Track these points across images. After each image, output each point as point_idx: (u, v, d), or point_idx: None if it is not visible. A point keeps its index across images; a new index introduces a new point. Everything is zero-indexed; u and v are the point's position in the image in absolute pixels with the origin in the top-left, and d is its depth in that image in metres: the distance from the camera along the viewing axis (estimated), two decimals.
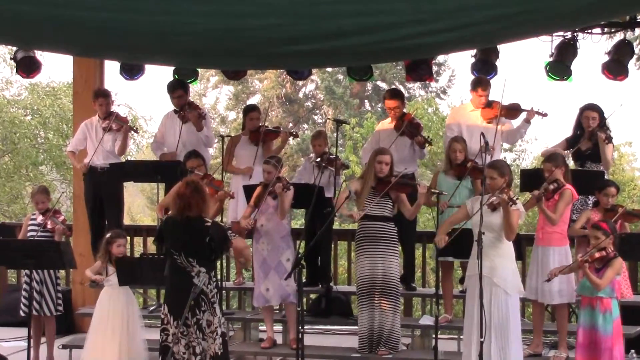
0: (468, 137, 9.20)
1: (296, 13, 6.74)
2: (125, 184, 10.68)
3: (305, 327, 7.44)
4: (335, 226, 13.98)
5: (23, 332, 8.60)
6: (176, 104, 10.12)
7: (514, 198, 7.43)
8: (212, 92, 35.88)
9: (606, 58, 9.91)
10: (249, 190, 9.05)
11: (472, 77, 9.98)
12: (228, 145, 10.06)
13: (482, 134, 7.72)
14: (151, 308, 9.83)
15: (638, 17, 9.79)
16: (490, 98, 9.56)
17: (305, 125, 34.43)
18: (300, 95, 35.30)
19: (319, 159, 9.53)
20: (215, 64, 11.56)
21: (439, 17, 6.75)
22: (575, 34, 9.86)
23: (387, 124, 9.93)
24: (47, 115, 24.27)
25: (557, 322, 8.56)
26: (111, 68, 11.00)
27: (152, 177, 9.83)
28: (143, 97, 52.13)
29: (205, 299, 7.11)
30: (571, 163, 9.39)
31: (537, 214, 8.96)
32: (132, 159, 20.61)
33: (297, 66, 10.59)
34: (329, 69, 30.05)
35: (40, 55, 10.66)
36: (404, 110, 9.88)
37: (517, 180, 10.28)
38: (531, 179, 8.89)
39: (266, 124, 10.16)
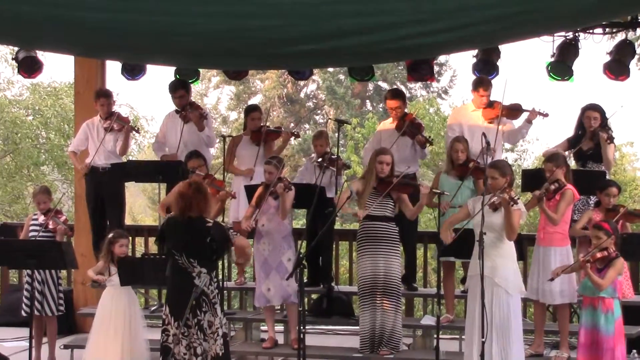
0: (469, 137, 9.20)
1: (296, 13, 6.74)
2: (126, 184, 10.68)
3: (306, 327, 7.43)
4: (337, 226, 13.99)
5: (24, 332, 8.60)
6: (178, 104, 10.12)
7: (515, 198, 7.43)
8: (214, 92, 35.96)
9: (608, 58, 9.92)
10: (250, 190, 9.06)
11: (474, 77, 9.99)
12: (229, 145, 10.06)
13: (484, 134, 7.72)
14: (152, 308, 9.83)
15: (639, 17, 9.79)
16: (492, 98, 9.56)
17: (307, 126, 34.45)
18: (302, 95, 35.30)
19: (320, 159, 9.54)
20: (215, 64, 11.56)
21: (439, 17, 6.76)
22: (576, 34, 9.86)
23: (389, 124, 9.93)
24: (49, 115, 24.29)
25: (559, 322, 8.56)
26: (113, 68, 11.02)
27: (154, 177, 9.83)
28: (144, 97, 52.22)
29: (206, 299, 7.10)
30: (572, 163, 9.39)
31: (538, 214, 8.95)
32: (134, 159, 20.62)
33: (298, 66, 10.60)
34: (331, 69, 30.05)
35: (41, 55, 10.66)
36: (406, 110, 9.88)
37: (518, 181, 10.29)
38: (532, 179, 8.90)
39: (267, 124, 10.17)
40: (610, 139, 9.02)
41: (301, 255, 7.71)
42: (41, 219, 9.05)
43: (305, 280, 8.40)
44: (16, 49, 10.92)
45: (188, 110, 9.96)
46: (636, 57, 9.99)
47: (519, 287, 7.67)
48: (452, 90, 34.08)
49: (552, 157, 8.41)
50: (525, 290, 8.01)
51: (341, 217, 22.68)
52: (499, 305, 7.50)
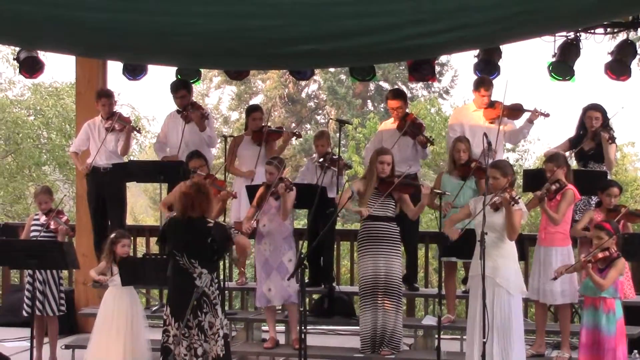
0: (471, 137, 9.19)
1: (297, 14, 6.74)
2: (128, 184, 10.68)
3: (307, 327, 7.44)
4: (338, 226, 13.99)
5: (26, 332, 8.60)
6: (179, 104, 10.12)
7: (516, 197, 7.43)
8: (215, 92, 36.00)
9: (609, 58, 9.92)
10: (251, 190, 9.06)
11: (475, 77, 9.99)
12: (231, 145, 10.06)
13: (485, 134, 7.72)
14: (154, 308, 9.83)
15: None
16: (493, 98, 9.56)
17: (308, 126, 34.46)
18: (303, 95, 35.32)
19: (321, 159, 9.54)
20: (215, 64, 11.57)
21: (439, 17, 6.76)
22: (578, 34, 9.86)
23: (390, 124, 9.93)
24: (50, 115, 24.28)
25: (560, 323, 8.55)
26: (114, 68, 11.03)
27: (155, 177, 9.84)
28: (146, 97, 52.28)
29: (207, 300, 7.10)
30: (574, 163, 9.39)
31: (539, 215, 8.95)
32: (135, 159, 20.62)
33: (298, 66, 10.60)
34: (332, 69, 30.05)
35: (43, 55, 10.67)
36: (407, 110, 9.88)
37: (519, 181, 10.29)
38: (534, 179, 8.89)
39: (269, 124, 10.17)
40: (612, 139, 9.01)
41: (302, 256, 7.71)
42: (42, 219, 9.05)
43: (306, 281, 8.39)
44: (17, 49, 10.93)
45: (189, 110, 9.95)
46: (637, 57, 9.98)
47: (520, 287, 7.66)
48: (453, 91, 34.16)
49: (552, 157, 8.41)
50: (527, 291, 8.01)
51: (342, 217, 22.69)
52: (500, 306, 7.49)
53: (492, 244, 7.42)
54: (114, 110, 10.14)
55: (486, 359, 7.24)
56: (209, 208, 7.26)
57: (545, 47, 9.98)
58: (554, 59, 10.04)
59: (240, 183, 9.91)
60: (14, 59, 11.66)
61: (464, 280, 9.14)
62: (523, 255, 9.02)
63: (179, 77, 10.68)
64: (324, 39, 7.20)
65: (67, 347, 9.24)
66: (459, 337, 9.61)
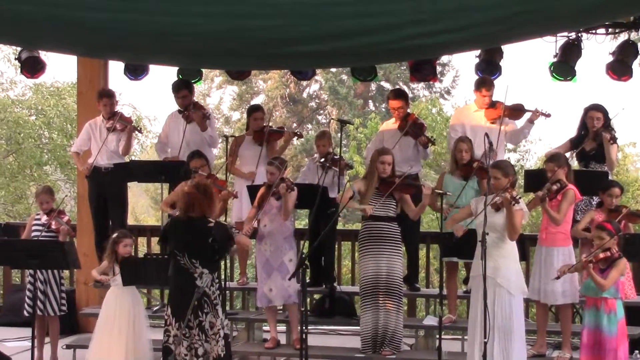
0: (472, 137, 9.18)
1: (297, 14, 6.74)
2: (129, 184, 10.68)
3: (309, 327, 7.44)
4: (339, 226, 13.98)
5: (27, 332, 8.60)
6: (181, 104, 10.12)
7: (517, 197, 7.43)
8: (216, 92, 36.00)
9: (610, 58, 9.91)
10: (252, 190, 9.06)
11: (476, 77, 9.99)
12: (232, 145, 10.06)
13: (486, 134, 7.72)
14: (155, 308, 9.83)
15: None
16: (494, 98, 9.56)
17: (309, 126, 34.46)
18: (304, 95, 35.32)
19: (323, 159, 9.53)
20: (215, 64, 11.57)
21: (439, 18, 6.76)
22: (579, 35, 9.85)
23: (391, 124, 9.93)
24: (52, 115, 24.27)
25: (561, 323, 8.55)
26: (115, 68, 11.03)
27: (156, 177, 9.84)
28: (147, 97, 52.26)
29: (207, 300, 7.11)
30: (575, 164, 9.39)
31: (540, 215, 8.94)
32: (136, 159, 20.62)
33: (299, 67, 10.60)
34: (333, 69, 30.05)
35: (44, 55, 10.68)
36: (408, 110, 9.88)
37: (521, 181, 10.28)
38: (535, 179, 8.89)
39: (270, 124, 10.17)
40: (613, 140, 9.01)
41: (304, 256, 7.71)
42: (44, 218, 9.05)
43: (307, 281, 8.40)
44: (19, 49, 10.93)
45: (191, 110, 9.95)
46: (639, 57, 9.96)
47: (521, 287, 7.67)
48: (454, 91, 34.13)
49: (553, 157, 8.42)
50: (527, 291, 8.01)
51: (343, 217, 22.68)
52: (501, 306, 7.50)
53: (493, 244, 7.43)
54: (116, 110, 10.14)
55: (487, 359, 7.24)
56: (211, 208, 7.28)
57: (547, 47, 9.99)
58: (555, 59, 10.04)
59: (241, 183, 9.91)
60: (15, 59, 11.68)
61: (465, 281, 9.14)
62: (524, 256, 9.01)
63: (181, 77, 10.68)
64: (324, 39, 7.20)
65: (68, 347, 9.24)
66: (460, 337, 9.61)
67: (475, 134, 9.24)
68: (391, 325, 8.44)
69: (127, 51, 8.45)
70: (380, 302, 8.43)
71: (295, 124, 32.17)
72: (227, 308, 9.58)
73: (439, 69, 12.45)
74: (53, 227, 8.95)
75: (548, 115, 9.32)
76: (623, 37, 10.12)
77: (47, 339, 9.08)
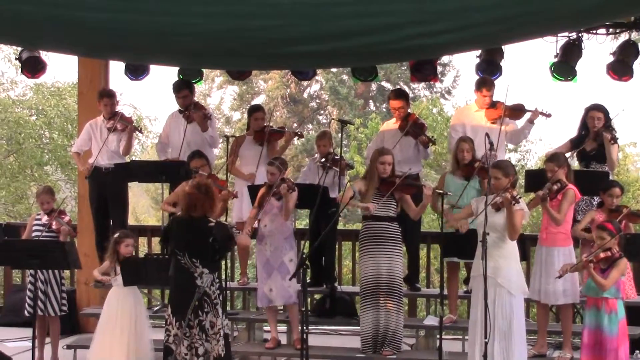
0: (472, 137, 9.17)
1: (297, 14, 6.74)
2: (129, 184, 10.68)
3: (309, 327, 7.44)
4: (340, 226, 13.99)
5: (27, 332, 8.60)
6: (181, 104, 10.12)
7: (517, 197, 7.43)
8: (217, 92, 35.98)
9: (611, 58, 9.91)
10: (253, 190, 9.07)
11: (477, 77, 9.98)
12: (232, 145, 10.06)
13: (487, 134, 7.72)
14: (155, 308, 9.83)
15: None
16: (495, 98, 9.56)
17: (310, 126, 34.45)
18: (305, 95, 35.32)
19: (323, 160, 9.54)
20: (215, 64, 11.57)
21: (439, 18, 6.75)
22: (580, 35, 9.85)
23: (392, 124, 9.93)
24: (52, 115, 24.27)
25: (562, 323, 8.55)
26: (116, 68, 11.04)
27: (157, 177, 9.84)
28: (148, 97, 52.23)
29: (208, 300, 7.12)
30: (576, 164, 9.38)
31: (541, 215, 8.94)
32: (137, 159, 20.63)
33: (299, 67, 10.61)
34: (334, 70, 30.04)
35: (45, 55, 10.68)
36: (409, 110, 9.88)
37: (521, 181, 10.28)
38: (536, 179, 8.88)
39: (271, 124, 10.17)
40: (614, 140, 9.01)
41: (304, 256, 7.71)
42: (44, 219, 9.05)
43: (308, 281, 8.40)
44: (20, 49, 10.94)
45: (192, 111, 9.95)
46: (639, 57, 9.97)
47: (521, 287, 7.67)
48: (455, 91, 34.13)
49: (553, 157, 8.42)
50: (528, 291, 8.01)
51: (344, 217, 22.68)
52: (501, 306, 7.50)
53: (494, 244, 7.43)
54: (116, 110, 10.14)
55: (487, 359, 7.24)
56: (212, 208, 7.29)
57: (548, 47, 9.99)
58: (556, 59, 10.04)
59: (241, 183, 9.91)
60: (16, 59, 11.67)
61: (466, 281, 9.14)
62: (525, 256, 9.01)
63: (181, 77, 10.68)
64: (324, 39, 7.20)
65: (68, 347, 9.24)
66: (460, 337, 9.61)
67: (475, 134, 9.24)
68: (392, 325, 8.44)
69: (127, 51, 8.45)
70: (381, 302, 8.42)
71: (295, 124, 32.17)
72: (228, 308, 9.60)
73: (439, 69, 12.47)
74: (54, 227, 8.95)
75: (548, 116, 9.32)
76: (624, 37, 10.12)
77: (47, 339, 9.07)
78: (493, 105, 9.52)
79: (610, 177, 9.15)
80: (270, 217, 8.76)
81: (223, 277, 8.25)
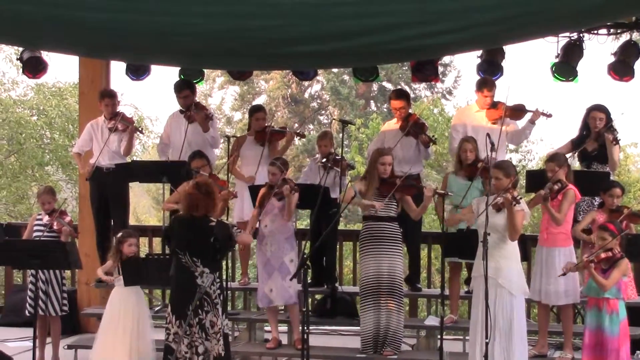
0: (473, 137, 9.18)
1: (297, 14, 6.74)
2: (130, 184, 10.68)
3: (310, 327, 7.44)
4: (341, 227, 13.99)
5: (28, 332, 8.60)
6: (182, 104, 10.12)
7: (518, 198, 7.43)
8: (218, 92, 35.97)
9: (612, 59, 9.91)
10: (254, 190, 9.07)
11: (478, 77, 9.98)
12: (233, 145, 10.06)
13: (488, 134, 7.72)
14: (156, 308, 9.83)
15: None
16: (496, 99, 9.55)
17: (311, 126, 34.44)
18: (306, 95, 35.31)
19: (324, 160, 9.53)
20: (215, 64, 11.57)
21: (440, 18, 6.75)
22: (581, 35, 9.85)
23: (393, 124, 9.93)
24: (53, 115, 24.28)
25: (563, 323, 8.55)
26: (117, 68, 11.04)
27: (158, 178, 9.83)
28: (149, 97, 52.21)
29: (208, 299, 7.12)
30: (577, 164, 9.37)
31: (541, 215, 8.93)
32: (138, 159, 20.63)
33: (299, 67, 10.60)
34: (335, 70, 30.04)
35: (46, 55, 10.67)
36: (410, 110, 9.87)
37: (522, 181, 10.28)
38: (537, 179, 8.88)
39: (272, 124, 10.16)
40: (616, 141, 9.01)
41: (305, 256, 7.72)
42: (45, 219, 9.05)
43: (309, 281, 8.40)
44: (21, 49, 10.94)
45: (193, 111, 9.94)
46: None
47: (522, 288, 7.66)
48: (456, 91, 34.09)
49: (553, 157, 8.43)
50: (529, 291, 8.01)
51: (345, 217, 22.68)
52: (502, 306, 7.50)
53: (495, 245, 7.43)
54: (117, 110, 10.14)
55: (488, 359, 7.24)
56: (212, 207, 7.30)
57: (549, 47, 10.00)
58: (557, 60, 10.03)
59: (242, 183, 9.91)
60: (17, 59, 11.66)
61: (467, 281, 9.14)
62: (525, 256, 9.01)
63: (182, 77, 10.68)
64: (324, 39, 7.20)
65: (69, 347, 9.24)
66: (461, 337, 9.60)
67: (476, 135, 9.23)
68: (392, 325, 8.43)
69: (127, 51, 8.45)
70: (382, 302, 8.42)
71: (296, 125, 32.15)
72: (229, 308, 9.60)
73: (440, 69, 12.48)
74: (55, 227, 8.95)
75: (549, 116, 9.31)
76: (625, 37, 10.12)
77: (48, 339, 9.08)
78: (494, 105, 9.51)
79: (611, 178, 9.15)
80: (271, 217, 8.76)
81: (224, 277, 8.25)
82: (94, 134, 10.07)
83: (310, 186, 9.22)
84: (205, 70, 11.58)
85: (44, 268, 8.64)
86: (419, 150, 9.66)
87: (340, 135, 9.70)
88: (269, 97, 33.94)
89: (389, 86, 32.05)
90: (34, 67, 10.69)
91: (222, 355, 7.13)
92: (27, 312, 9.04)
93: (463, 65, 34.67)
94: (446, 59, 30.99)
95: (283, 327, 9.43)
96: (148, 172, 10.27)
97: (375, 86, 33.08)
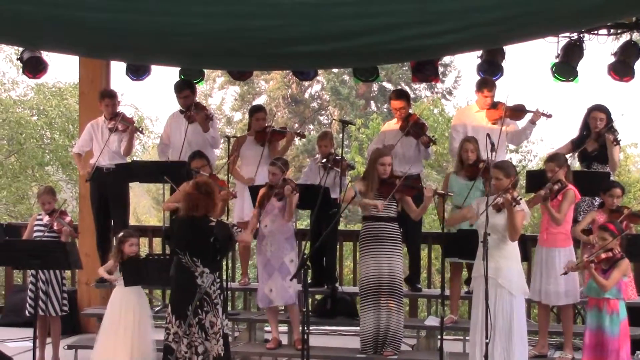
0: None
1: (297, 14, 6.74)
2: (130, 184, 10.68)
3: (310, 328, 7.44)
4: (341, 227, 14.00)
5: (29, 332, 8.61)
6: (183, 104, 10.11)
7: (518, 198, 7.43)
8: (218, 92, 35.97)
9: (612, 59, 9.91)
10: (254, 190, 9.07)
11: (478, 78, 9.98)
12: (234, 145, 10.06)
13: (488, 134, 7.72)
14: (157, 309, 9.82)
15: None
16: (496, 99, 9.55)
17: (311, 126, 34.44)
18: (306, 96, 35.31)
19: (324, 160, 9.53)
20: (215, 64, 11.56)
21: (440, 19, 6.75)
22: (581, 35, 9.85)
23: (393, 124, 9.92)
24: (53, 115, 24.28)
25: (563, 324, 8.55)
26: (117, 68, 11.03)
27: (158, 178, 9.83)
28: (149, 97, 52.20)
29: (207, 299, 7.13)
30: (577, 164, 9.37)
31: (541, 216, 8.93)
32: (138, 159, 20.63)
33: (299, 67, 10.60)
34: (335, 70, 30.03)
35: (46, 55, 10.67)
36: (410, 111, 9.87)
37: (522, 182, 10.28)
38: (537, 180, 8.87)
39: (272, 124, 10.16)
40: (617, 141, 9.01)
41: (305, 256, 7.72)
42: (46, 219, 9.05)
43: (309, 281, 8.40)
44: (21, 49, 10.94)
45: (193, 111, 9.93)
46: None
47: (522, 288, 7.66)
48: (456, 91, 34.08)
49: (553, 157, 8.43)
50: (529, 292, 8.01)
51: (345, 217, 22.68)
52: (502, 307, 7.50)
53: (495, 245, 7.43)
54: (117, 110, 10.14)
55: (488, 359, 7.24)
56: (212, 207, 7.30)
57: (549, 48, 10.00)
58: (557, 60, 10.03)
59: (241, 187, 9.90)
60: (17, 59, 11.66)
61: (467, 281, 9.14)
62: (526, 257, 9.00)
63: (183, 77, 10.68)
64: (324, 39, 7.20)
65: (69, 347, 9.24)
66: (461, 337, 9.60)
67: (476, 135, 9.22)
68: (392, 325, 8.43)
69: (127, 51, 8.45)
70: (383, 302, 8.42)
71: (297, 125, 32.15)
72: (229, 308, 9.60)
73: (440, 69, 12.48)
74: (55, 227, 8.96)
75: (549, 116, 9.30)
76: (625, 37, 10.12)
77: (48, 339, 9.09)
78: (494, 105, 9.51)
79: (611, 178, 9.14)
80: (271, 217, 8.76)
81: (224, 277, 8.25)
82: (94, 134, 10.07)
83: (310, 186, 9.22)
84: (205, 71, 11.57)
85: (44, 268, 8.64)
86: (419, 151, 9.65)
87: (341, 135, 9.70)
88: (269, 97, 33.95)
89: (389, 86, 32.05)
90: (34, 67, 10.69)
91: (222, 355, 7.14)
92: (27, 312, 9.04)
93: (463, 66, 34.72)
94: (446, 59, 31.00)
95: (283, 328, 9.43)
96: (148, 172, 10.27)
97: (375, 86, 33.08)
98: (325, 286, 9.76)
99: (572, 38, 9.90)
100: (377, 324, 8.44)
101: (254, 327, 9.57)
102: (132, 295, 8.30)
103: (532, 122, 9.37)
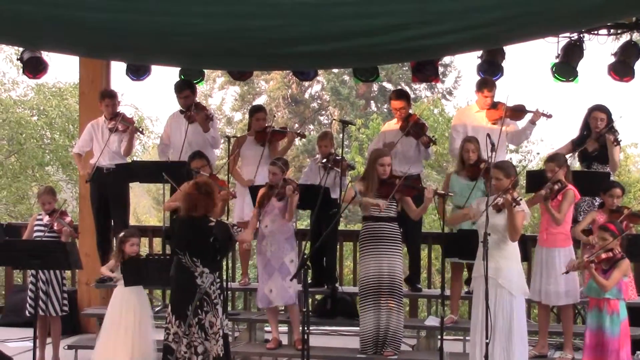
0: None
1: (297, 14, 6.74)
2: (131, 184, 10.68)
3: (310, 328, 7.43)
4: (341, 227, 14.01)
5: (29, 332, 8.61)
6: (183, 104, 10.12)
7: (518, 199, 7.43)
8: (218, 92, 35.99)
9: (612, 59, 9.91)
10: (254, 191, 9.07)
11: (478, 78, 9.98)
12: (234, 145, 10.05)
13: (489, 135, 7.72)
14: (157, 309, 9.82)
15: None
16: (496, 99, 9.55)
17: (311, 126, 34.45)
18: (306, 96, 35.32)
19: (324, 160, 9.52)
20: (215, 64, 11.57)
21: (440, 19, 6.75)
22: (581, 35, 9.85)
23: (393, 124, 9.92)
24: (54, 115, 24.29)
25: (563, 324, 8.55)
26: (117, 69, 11.04)
27: (158, 178, 9.82)
28: (149, 97, 52.24)
29: (207, 299, 7.13)
30: (577, 164, 9.37)
31: (541, 216, 8.94)
32: (138, 159, 20.63)
33: (299, 67, 10.60)
34: (335, 70, 30.04)
35: (46, 55, 10.67)
36: (410, 111, 9.87)
37: (523, 182, 10.28)
38: (537, 180, 8.87)
39: (272, 124, 10.17)
40: (617, 141, 9.01)
41: (305, 256, 7.71)
42: (46, 219, 9.05)
43: (309, 281, 8.40)
44: (21, 49, 10.94)
45: (194, 111, 9.93)
46: None
47: (522, 288, 7.66)
48: (456, 91, 34.11)
49: (553, 157, 8.43)
50: (529, 292, 8.01)
51: (345, 217, 22.68)
52: (502, 307, 7.50)
53: (495, 245, 7.43)
54: (118, 110, 10.14)
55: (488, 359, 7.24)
56: (212, 207, 7.30)
57: (549, 48, 10.01)
58: (557, 60, 10.04)
59: (241, 188, 9.89)
60: (17, 60, 11.66)
61: (467, 281, 9.14)
62: (526, 257, 9.00)
63: (183, 77, 10.68)
64: (324, 39, 7.20)
65: (69, 347, 9.25)
66: (461, 337, 9.60)
67: (476, 135, 9.22)
68: (392, 325, 8.43)
69: (127, 51, 8.45)
70: (383, 302, 8.42)
71: (297, 125, 32.15)
72: (229, 308, 9.59)
73: (441, 69, 12.49)
74: (55, 227, 8.96)
75: (549, 116, 9.30)
76: (625, 37, 10.12)
77: (48, 340, 9.09)
78: (494, 106, 9.51)
79: (612, 178, 9.14)
80: (271, 217, 8.76)
81: (224, 277, 8.25)
82: (95, 135, 10.07)
83: (310, 186, 9.22)
84: (205, 71, 11.57)
85: (44, 268, 8.64)
86: (419, 151, 9.65)
87: (341, 135, 9.70)
88: (269, 97, 33.95)
89: (389, 86, 32.06)
90: (34, 67, 10.69)
91: (221, 355, 7.14)
92: (27, 312, 9.04)
93: (463, 66, 34.74)
94: (446, 59, 31.01)
95: (283, 328, 9.43)
96: (148, 172, 10.26)
97: (375, 86, 33.09)
98: (325, 286, 9.76)
99: (572, 38, 9.90)
100: (377, 324, 8.44)
101: (254, 327, 9.57)
102: (132, 295, 8.30)
103: (532, 122, 9.37)
